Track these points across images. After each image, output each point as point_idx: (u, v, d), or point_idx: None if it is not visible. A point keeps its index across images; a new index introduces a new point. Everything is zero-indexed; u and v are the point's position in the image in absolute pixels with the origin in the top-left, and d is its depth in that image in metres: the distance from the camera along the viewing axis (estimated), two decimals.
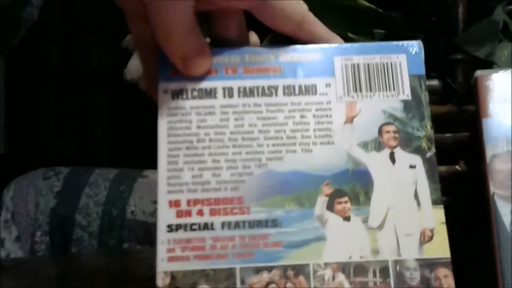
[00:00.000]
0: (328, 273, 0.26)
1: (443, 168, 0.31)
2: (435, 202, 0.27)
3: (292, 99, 0.28)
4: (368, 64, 0.29)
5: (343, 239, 0.27)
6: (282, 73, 0.29)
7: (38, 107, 1.08)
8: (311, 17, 0.29)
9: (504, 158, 0.29)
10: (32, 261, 0.60)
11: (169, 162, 0.27)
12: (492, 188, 0.29)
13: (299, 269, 0.26)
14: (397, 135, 0.28)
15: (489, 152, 0.29)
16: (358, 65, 0.29)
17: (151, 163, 0.28)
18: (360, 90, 0.29)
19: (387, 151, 0.28)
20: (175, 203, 0.27)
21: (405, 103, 0.28)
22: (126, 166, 0.69)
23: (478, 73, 0.30)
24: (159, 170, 0.27)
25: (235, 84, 0.28)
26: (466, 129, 0.32)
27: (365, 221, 0.27)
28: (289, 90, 0.28)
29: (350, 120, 0.28)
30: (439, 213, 0.27)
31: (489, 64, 0.36)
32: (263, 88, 0.28)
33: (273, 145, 0.28)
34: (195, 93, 0.28)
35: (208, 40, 0.30)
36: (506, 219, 0.29)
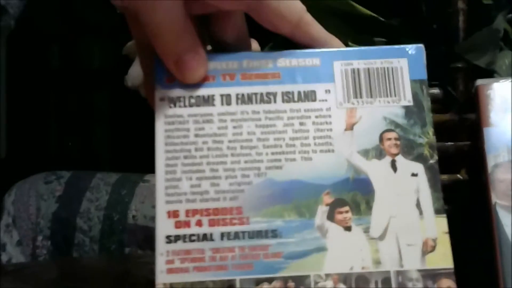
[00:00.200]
0: (329, 284, 0.26)
1: (444, 177, 0.31)
2: (437, 212, 0.27)
3: (291, 106, 0.28)
4: (368, 69, 0.28)
5: (344, 249, 0.26)
6: (281, 79, 0.28)
7: (39, 109, 1.07)
8: (309, 18, 0.29)
9: (506, 167, 0.29)
10: (34, 265, 0.60)
11: (167, 171, 0.27)
12: (494, 198, 0.28)
13: (300, 281, 0.26)
14: (398, 142, 0.28)
15: (490, 161, 0.29)
16: (358, 70, 0.28)
17: (153, 165, 0.27)
18: (361, 96, 0.28)
19: (388, 159, 0.27)
20: (173, 214, 0.26)
21: (407, 109, 0.28)
22: (127, 168, 0.69)
23: (479, 82, 0.30)
24: (157, 180, 0.27)
25: (233, 91, 0.28)
26: (467, 137, 0.32)
27: (366, 231, 0.26)
28: (288, 97, 0.28)
29: (350, 127, 0.28)
30: (442, 223, 0.27)
31: (490, 73, 0.36)
32: (261, 95, 0.28)
33: (272, 153, 0.27)
34: (193, 101, 0.28)
35: (209, 47, 0.30)
36: (507, 229, 0.28)
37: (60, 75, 1.08)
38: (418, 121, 0.28)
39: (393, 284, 0.26)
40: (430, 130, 0.28)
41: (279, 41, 0.34)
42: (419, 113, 0.28)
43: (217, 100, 0.28)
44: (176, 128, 0.27)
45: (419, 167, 0.27)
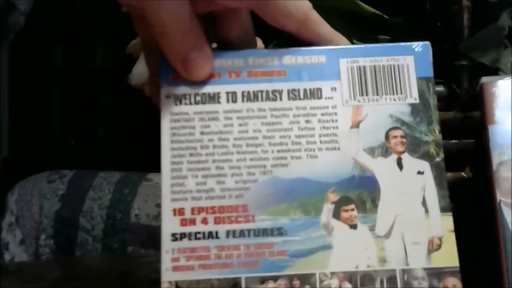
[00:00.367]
0: (334, 282, 0.26)
1: (448, 175, 0.31)
2: (443, 210, 0.27)
3: (297, 104, 0.28)
4: (374, 67, 0.28)
5: (349, 247, 0.26)
6: (287, 76, 0.28)
7: (42, 109, 1.08)
8: (315, 15, 0.29)
9: (511, 165, 0.28)
10: (37, 264, 0.60)
11: (172, 169, 0.27)
12: (499, 196, 0.28)
13: (305, 279, 0.26)
14: (404, 140, 0.27)
15: (495, 159, 0.29)
16: (364, 67, 0.28)
17: (156, 164, 0.27)
18: (367, 94, 0.28)
19: (394, 157, 0.27)
20: (179, 211, 0.26)
21: (413, 106, 0.28)
22: (130, 167, 0.69)
23: (484, 80, 0.30)
24: (163, 178, 0.27)
25: (238, 88, 0.28)
26: (472, 135, 0.32)
27: (372, 229, 0.26)
28: (293, 94, 0.28)
29: (356, 125, 0.28)
30: (448, 221, 0.27)
31: (495, 71, 0.36)
32: (267, 92, 0.28)
33: (278, 151, 0.27)
34: (198, 98, 0.28)
35: (215, 45, 0.30)
36: (511, 225, 0.28)
37: (63, 74, 1.08)
38: (424, 119, 0.28)
39: (399, 283, 0.26)
40: (436, 128, 0.28)
41: (284, 39, 0.34)
42: (425, 111, 0.28)
43: (223, 98, 0.28)
44: (182, 125, 0.27)
45: (425, 165, 0.27)
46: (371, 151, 0.27)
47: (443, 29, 0.37)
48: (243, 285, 0.26)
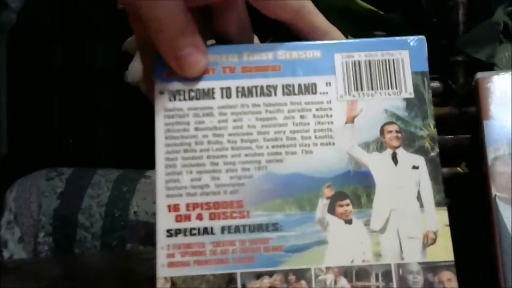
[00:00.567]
0: (329, 277, 0.26)
1: (444, 170, 0.31)
2: (438, 204, 0.27)
3: (291, 99, 0.28)
4: (369, 61, 0.28)
5: (344, 242, 0.26)
6: (281, 71, 0.28)
7: (41, 107, 1.08)
8: (310, 6, 0.29)
9: (506, 160, 0.28)
10: (35, 262, 0.60)
11: (167, 165, 0.27)
12: (494, 191, 0.28)
13: (301, 274, 0.26)
14: (399, 135, 0.27)
15: (490, 154, 0.29)
16: (359, 62, 0.28)
17: (154, 162, 0.27)
18: (362, 89, 0.28)
19: (389, 152, 0.27)
20: (174, 208, 0.26)
21: (408, 101, 0.28)
22: (129, 165, 0.69)
23: (479, 75, 0.30)
24: (157, 174, 0.27)
25: (233, 84, 0.28)
26: (467, 131, 0.32)
27: (367, 224, 0.26)
28: (288, 90, 0.28)
29: (351, 120, 0.28)
30: (443, 216, 0.27)
31: (490, 66, 0.36)
32: (261, 87, 0.28)
33: (273, 146, 0.27)
34: (192, 94, 0.27)
35: (212, 41, 0.29)
36: (507, 221, 0.28)
37: (63, 74, 1.08)
38: (419, 113, 0.28)
39: (394, 277, 0.26)
40: (431, 123, 0.28)
41: (279, 35, 0.34)
42: (420, 105, 0.28)
43: (217, 93, 0.28)
44: (176, 121, 0.27)
45: (420, 160, 0.27)
46: (366, 146, 0.27)
47: (438, 25, 0.37)
48: (238, 280, 0.26)
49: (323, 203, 0.26)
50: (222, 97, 0.28)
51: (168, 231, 0.26)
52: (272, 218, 0.26)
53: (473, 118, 0.30)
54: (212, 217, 0.26)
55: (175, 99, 0.27)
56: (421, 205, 0.27)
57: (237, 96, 0.28)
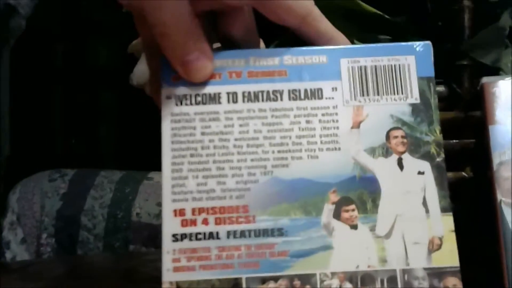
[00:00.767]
0: (335, 282, 0.26)
1: (449, 175, 0.31)
2: (444, 210, 0.27)
3: (297, 104, 0.28)
4: (375, 67, 0.28)
5: (350, 248, 0.26)
6: (288, 76, 0.28)
7: (43, 107, 1.08)
8: (316, 12, 0.29)
9: (511, 165, 0.28)
10: (38, 263, 0.60)
11: (173, 170, 0.27)
12: (499, 196, 0.28)
13: (306, 279, 0.26)
14: (405, 140, 0.27)
15: (496, 159, 0.29)
16: (365, 67, 0.28)
17: (157, 163, 0.27)
18: (368, 94, 0.28)
19: (395, 157, 0.27)
20: (180, 212, 0.26)
21: (414, 106, 0.28)
22: (132, 166, 0.69)
23: (485, 80, 0.30)
24: (164, 178, 0.27)
25: (239, 88, 0.28)
26: (473, 135, 0.32)
27: (372, 229, 0.26)
28: (294, 95, 0.28)
29: (357, 125, 0.28)
30: (448, 221, 0.27)
31: (496, 71, 0.36)
32: (268, 92, 0.28)
33: (279, 151, 0.27)
34: (199, 99, 0.28)
35: (218, 45, 0.30)
36: None
37: (65, 74, 1.08)
38: (425, 119, 0.28)
39: (399, 283, 0.26)
40: (437, 128, 0.28)
41: (285, 40, 0.34)
42: (426, 111, 0.28)
43: (224, 98, 0.28)
44: (183, 126, 0.27)
45: (425, 165, 0.27)
46: (372, 151, 0.27)
47: (444, 29, 0.37)
48: (244, 285, 0.26)
49: (328, 208, 0.27)
50: (228, 101, 0.28)
51: (174, 235, 0.26)
52: (277, 223, 0.26)
53: (478, 122, 0.30)
54: (217, 221, 0.26)
55: (181, 104, 0.27)
56: (427, 211, 0.27)
57: (243, 101, 0.28)
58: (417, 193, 0.27)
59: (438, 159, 0.27)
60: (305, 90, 0.28)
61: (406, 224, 0.26)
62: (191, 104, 0.28)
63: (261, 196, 0.27)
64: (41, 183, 0.66)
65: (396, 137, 0.27)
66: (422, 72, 0.28)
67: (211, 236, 0.26)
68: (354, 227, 0.27)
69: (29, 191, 0.66)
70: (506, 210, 0.28)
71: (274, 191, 0.27)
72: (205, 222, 0.26)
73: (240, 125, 0.27)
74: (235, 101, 0.28)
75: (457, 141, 0.32)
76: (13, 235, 0.64)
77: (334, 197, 0.27)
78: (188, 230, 0.26)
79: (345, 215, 0.27)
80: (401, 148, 0.27)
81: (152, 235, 0.62)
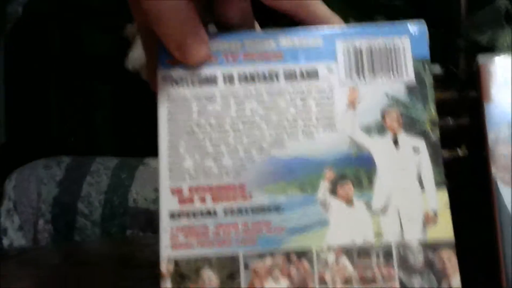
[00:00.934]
0: (331, 256, 0.26)
1: (445, 153, 0.31)
2: (438, 184, 0.27)
3: (293, 85, 0.28)
4: (371, 47, 0.28)
5: (346, 223, 0.27)
6: (283, 58, 0.28)
7: (39, 94, 1.07)
8: None
9: (506, 142, 0.29)
10: (35, 249, 0.60)
11: (170, 149, 0.27)
12: (494, 172, 0.29)
13: (302, 254, 0.26)
14: (400, 119, 0.28)
15: (491, 136, 0.29)
16: (360, 48, 0.28)
17: (153, 149, 0.28)
18: (363, 74, 0.28)
19: (390, 135, 0.28)
20: (177, 191, 0.27)
21: (409, 86, 0.28)
22: (127, 153, 0.69)
23: (480, 57, 0.30)
24: (160, 158, 0.27)
25: (235, 70, 0.28)
26: (469, 114, 0.32)
27: (368, 205, 0.27)
28: (290, 76, 0.28)
29: (352, 105, 0.28)
30: (443, 195, 0.27)
31: (492, 51, 0.36)
32: (264, 74, 0.28)
33: (275, 131, 0.27)
34: (195, 80, 0.28)
35: (213, 28, 0.30)
36: (508, 203, 0.28)
37: (62, 61, 1.08)
38: (420, 98, 0.28)
39: (395, 256, 0.26)
40: (432, 107, 0.28)
41: (280, 22, 0.34)
42: (421, 90, 0.28)
43: (220, 80, 0.28)
44: (179, 107, 0.28)
45: (420, 143, 0.28)
46: (368, 130, 0.28)
47: (440, 9, 0.37)
48: (241, 261, 0.26)
49: (324, 185, 0.27)
50: (224, 83, 0.28)
51: (172, 213, 0.27)
52: (274, 200, 0.27)
53: (474, 102, 0.30)
54: (215, 199, 0.27)
55: (178, 86, 0.28)
56: (422, 186, 0.27)
57: (240, 82, 0.28)
58: (412, 170, 0.27)
59: (433, 137, 0.28)
60: (301, 71, 0.28)
61: (401, 200, 0.27)
62: (187, 86, 0.28)
63: (257, 175, 0.27)
64: (37, 170, 0.66)
65: (391, 116, 0.28)
66: (417, 52, 0.28)
67: (208, 213, 0.27)
68: (350, 203, 0.27)
69: (25, 179, 0.66)
70: (501, 187, 0.29)
71: (271, 170, 0.27)
72: (202, 200, 0.27)
73: (237, 106, 0.28)
74: (231, 82, 0.28)
75: (453, 120, 0.32)
76: (10, 222, 0.64)
77: (330, 175, 0.27)
78: (185, 208, 0.27)
79: (341, 191, 0.27)
80: (396, 127, 0.28)
81: (149, 220, 0.62)
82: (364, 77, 0.28)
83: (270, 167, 0.27)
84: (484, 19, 0.35)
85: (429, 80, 0.28)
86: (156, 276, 0.26)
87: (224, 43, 0.28)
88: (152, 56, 0.29)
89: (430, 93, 0.28)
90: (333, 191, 0.27)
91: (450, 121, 0.32)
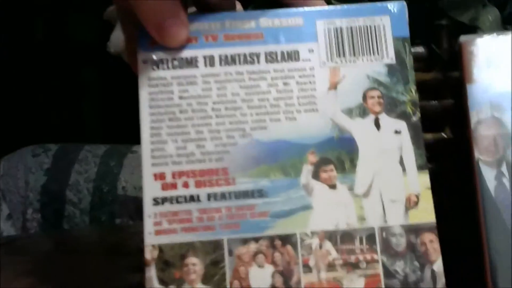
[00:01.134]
0: (315, 241, 0.26)
1: (428, 136, 0.31)
2: (420, 168, 0.27)
3: (274, 66, 0.28)
4: (351, 28, 0.28)
5: (329, 207, 0.27)
6: (264, 39, 0.28)
7: (26, 82, 1.06)
8: None
9: (489, 123, 0.29)
10: (24, 238, 0.60)
11: (152, 134, 0.27)
12: (477, 154, 0.29)
13: (286, 239, 0.26)
14: (381, 100, 0.28)
15: (473, 118, 0.29)
16: (341, 28, 0.28)
17: (140, 137, 0.27)
18: (344, 55, 0.28)
19: (371, 117, 0.28)
20: (160, 176, 0.27)
21: (389, 67, 0.28)
22: (115, 140, 0.69)
23: (463, 38, 0.30)
24: (143, 143, 0.27)
25: (216, 52, 0.28)
26: (452, 95, 0.32)
27: (351, 188, 0.27)
28: (271, 57, 0.28)
29: (334, 86, 0.28)
30: (424, 178, 0.27)
31: (474, 29, 0.36)
32: (244, 55, 0.28)
33: (257, 114, 0.27)
34: (176, 63, 0.28)
35: (193, 9, 0.29)
36: (490, 184, 0.28)
37: (45, 47, 1.07)
38: (400, 78, 0.28)
39: (377, 240, 0.26)
40: (413, 88, 0.28)
41: (261, 1, 0.34)
42: (402, 70, 0.28)
43: (201, 62, 0.28)
44: (160, 90, 0.27)
45: (402, 125, 0.28)
46: (349, 112, 0.28)
47: None
48: (225, 246, 0.26)
49: (307, 169, 0.27)
50: (205, 65, 0.28)
51: (155, 199, 0.26)
52: (257, 185, 0.27)
53: (457, 82, 0.30)
54: (198, 184, 0.27)
55: (158, 68, 0.27)
56: (404, 169, 0.27)
57: (221, 64, 0.28)
58: (394, 152, 0.27)
59: (414, 118, 0.28)
60: (282, 52, 0.28)
61: (384, 183, 0.27)
62: (168, 68, 0.27)
63: (240, 159, 0.27)
64: (24, 158, 0.66)
65: (372, 97, 0.28)
66: (397, 32, 0.28)
67: (192, 199, 0.26)
68: (333, 186, 0.27)
69: (12, 167, 0.65)
70: (483, 168, 0.29)
71: (253, 153, 0.27)
72: (186, 185, 0.27)
73: (218, 89, 0.27)
74: (212, 64, 0.28)
75: (436, 101, 0.32)
76: None
77: (313, 158, 0.27)
78: (168, 193, 0.26)
79: (323, 175, 0.27)
80: (377, 108, 0.28)
81: (138, 208, 0.62)
82: (345, 57, 0.28)
83: (252, 150, 0.27)
84: None
85: (409, 61, 0.28)
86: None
87: (205, 24, 0.28)
88: (132, 39, 0.28)
89: (411, 74, 0.28)
90: (316, 174, 0.27)
91: (434, 102, 0.32)
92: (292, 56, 0.28)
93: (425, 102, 0.31)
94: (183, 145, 0.27)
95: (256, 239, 0.26)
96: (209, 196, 0.27)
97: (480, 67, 0.29)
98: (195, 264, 0.26)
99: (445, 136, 0.32)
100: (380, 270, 0.26)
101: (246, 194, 0.27)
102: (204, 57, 0.28)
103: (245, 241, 0.26)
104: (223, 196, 0.27)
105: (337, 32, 0.28)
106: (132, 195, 0.63)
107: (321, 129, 0.27)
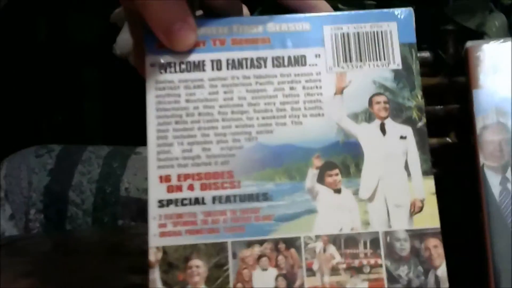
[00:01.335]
0: (319, 245, 0.26)
1: (434, 140, 0.31)
2: (425, 173, 0.27)
3: (281, 71, 0.28)
4: (358, 33, 0.28)
5: (333, 211, 0.27)
6: (271, 44, 0.28)
7: (27, 82, 1.06)
8: None
9: (494, 129, 0.29)
10: (26, 238, 0.60)
11: (158, 137, 0.27)
12: (482, 159, 0.29)
13: (290, 242, 0.26)
14: (387, 106, 0.28)
15: (479, 123, 0.29)
16: (348, 34, 0.28)
17: (144, 138, 0.28)
18: (350, 60, 0.28)
19: (377, 122, 0.28)
20: (165, 178, 0.27)
21: (396, 72, 0.28)
22: (119, 141, 0.69)
23: (469, 44, 0.30)
24: (149, 145, 0.27)
25: (223, 56, 0.28)
26: (457, 101, 0.32)
27: (355, 193, 0.27)
28: (278, 62, 0.28)
29: (340, 91, 0.28)
30: (429, 184, 0.27)
31: (480, 35, 0.36)
32: (252, 60, 0.28)
33: (263, 118, 0.27)
34: (183, 66, 0.28)
35: (200, 12, 0.29)
36: (495, 190, 0.28)
37: (48, 48, 1.07)
38: (407, 84, 0.28)
39: (382, 244, 0.26)
40: (419, 93, 0.28)
41: (268, 6, 0.34)
42: (408, 76, 0.28)
43: (208, 66, 0.28)
44: (167, 93, 0.27)
45: (407, 130, 0.28)
46: (355, 116, 0.28)
47: None
48: (229, 249, 0.26)
49: (312, 173, 0.27)
50: (212, 69, 0.28)
51: (160, 201, 0.26)
52: (262, 188, 0.27)
53: (463, 87, 0.30)
54: (203, 187, 0.27)
55: (166, 72, 0.28)
56: (409, 174, 0.27)
57: (228, 68, 0.28)
58: (399, 157, 0.27)
59: (419, 124, 0.28)
60: (289, 57, 0.28)
61: (389, 188, 0.27)
62: (175, 71, 0.28)
63: (245, 162, 0.27)
64: (27, 159, 0.66)
65: (378, 102, 0.28)
66: (404, 38, 0.28)
67: (197, 201, 0.27)
68: (338, 191, 0.27)
69: (15, 167, 0.65)
70: (488, 174, 0.29)
71: (259, 157, 0.27)
72: (191, 187, 0.27)
73: (225, 92, 0.27)
74: (219, 68, 0.28)
75: (441, 106, 0.32)
76: (1, 212, 0.64)
77: (318, 162, 0.27)
78: (173, 196, 0.27)
79: (328, 179, 0.27)
80: (383, 113, 0.28)
81: (141, 209, 0.62)
82: (351, 63, 0.28)
83: (258, 154, 0.27)
84: (472, 2, 0.35)
85: (416, 66, 0.28)
86: (147, 265, 0.26)
87: (212, 29, 0.28)
88: (139, 41, 0.28)
89: (417, 79, 0.28)
90: (321, 179, 0.27)
91: (439, 107, 0.32)
92: (299, 61, 0.28)
93: (430, 107, 0.31)
94: (189, 148, 0.27)
95: (260, 242, 0.26)
96: (214, 199, 0.27)
97: (486, 72, 0.29)
98: (199, 267, 0.26)
99: (450, 141, 0.32)
100: (383, 274, 0.26)
101: (251, 197, 0.27)
102: (212, 61, 0.28)
103: (249, 244, 0.26)
104: (228, 199, 0.27)
105: (344, 38, 0.28)
106: (135, 197, 0.63)
107: (326, 134, 0.27)
